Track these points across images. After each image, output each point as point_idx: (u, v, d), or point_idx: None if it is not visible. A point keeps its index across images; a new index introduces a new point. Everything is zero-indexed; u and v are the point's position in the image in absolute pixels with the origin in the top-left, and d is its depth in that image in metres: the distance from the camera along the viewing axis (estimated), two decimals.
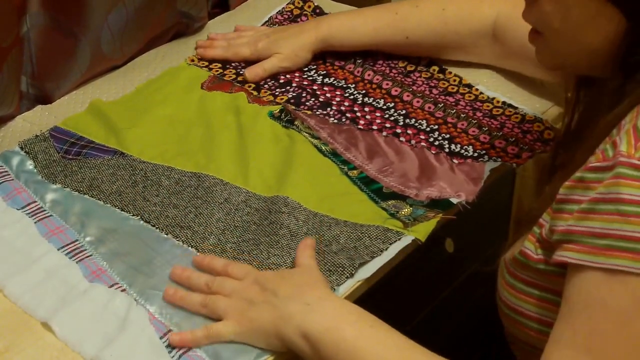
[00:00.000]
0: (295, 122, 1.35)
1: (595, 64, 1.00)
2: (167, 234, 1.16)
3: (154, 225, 1.18)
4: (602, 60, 0.98)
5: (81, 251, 1.13)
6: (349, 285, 1.09)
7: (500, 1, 1.42)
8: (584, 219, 0.89)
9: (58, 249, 1.13)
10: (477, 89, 1.44)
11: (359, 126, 1.36)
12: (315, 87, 1.45)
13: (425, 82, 1.46)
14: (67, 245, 1.14)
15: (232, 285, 1.05)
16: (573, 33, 0.98)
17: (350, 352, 0.97)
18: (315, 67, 1.50)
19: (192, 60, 1.51)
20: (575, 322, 0.89)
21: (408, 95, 1.43)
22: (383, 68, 1.49)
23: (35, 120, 1.37)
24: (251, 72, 1.46)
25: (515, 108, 1.39)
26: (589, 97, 1.09)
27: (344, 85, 1.45)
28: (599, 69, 0.99)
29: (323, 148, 1.31)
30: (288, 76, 1.48)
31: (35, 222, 1.17)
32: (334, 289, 1.08)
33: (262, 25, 1.61)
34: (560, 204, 0.93)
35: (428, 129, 1.36)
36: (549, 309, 0.99)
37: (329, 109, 1.40)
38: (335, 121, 1.37)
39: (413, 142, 1.33)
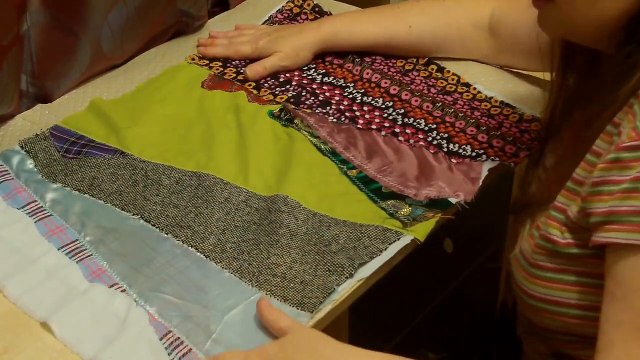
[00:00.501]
0: (295, 121, 1.36)
1: (604, 33, 0.99)
2: (167, 234, 1.16)
3: (154, 225, 1.18)
4: (612, 29, 0.97)
5: (81, 251, 1.13)
6: (349, 286, 1.10)
7: None
8: (628, 199, 0.89)
9: (58, 249, 1.13)
10: (474, 88, 1.44)
11: (358, 125, 1.36)
12: (314, 86, 1.45)
13: (424, 81, 1.46)
14: (67, 245, 1.14)
15: None
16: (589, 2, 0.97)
17: None
18: (314, 66, 1.50)
19: (193, 59, 1.51)
20: (635, 304, 0.89)
21: (406, 94, 1.43)
22: (381, 67, 1.49)
23: (36, 119, 1.37)
24: (252, 70, 1.46)
25: (513, 107, 1.39)
26: (581, 74, 1.10)
27: (343, 84, 1.46)
28: (605, 40, 0.99)
29: (322, 147, 1.32)
30: (288, 75, 1.48)
31: (35, 222, 1.17)
32: (334, 289, 1.08)
33: (262, 24, 1.61)
34: (597, 187, 0.93)
35: (426, 128, 1.36)
36: (589, 293, 0.98)
37: (328, 107, 1.40)
38: (335, 120, 1.37)
39: (412, 141, 1.33)
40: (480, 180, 1.25)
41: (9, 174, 1.25)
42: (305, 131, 1.34)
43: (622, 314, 0.91)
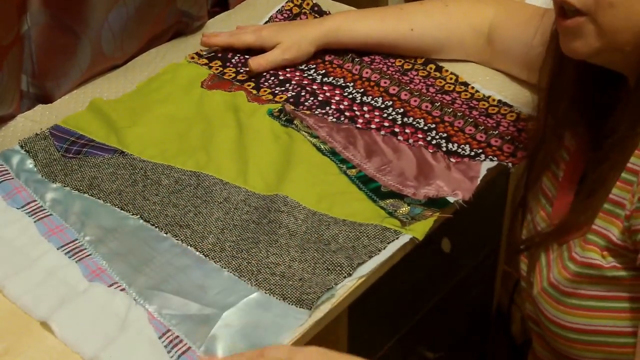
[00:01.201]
0: (295, 122, 1.36)
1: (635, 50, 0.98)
2: (166, 233, 1.17)
3: (153, 225, 1.18)
4: None
5: (81, 250, 1.13)
6: (348, 285, 1.10)
7: (496, 3, 1.43)
8: None
9: (58, 249, 1.13)
10: (472, 87, 1.45)
11: (358, 125, 1.37)
12: (315, 87, 1.45)
13: (422, 81, 1.47)
14: (67, 244, 1.14)
15: None
16: (629, 4, 0.97)
17: None
18: (314, 66, 1.50)
19: (192, 57, 1.52)
20: None
21: (406, 94, 1.43)
22: (380, 66, 1.49)
23: (36, 120, 1.37)
24: (254, 62, 1.46)
25: (511, 106, 1.40)
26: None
27: (343, 84, 1.46)
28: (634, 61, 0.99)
29: (322, 147, 1.32)
30: (288, 75, 1.48)
31: (35, 222, 1.17)
32: (333, 287, 1.09)
33: (263, 24, 1.61)
34: None
35: (425, 127, 1.37)
36: (636, 318, 0.97)
37: (327, 107, 1.40)
38: (334, 120, 1.38)
39: (411, 141, 1.34)
40: (479, 180, 1.26)
41: (9, 173, 1.25)
42: (305, 132, 1.34)
43: None
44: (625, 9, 0.97)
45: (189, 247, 1.15)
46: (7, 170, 1.26)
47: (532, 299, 1.10)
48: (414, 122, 1.38)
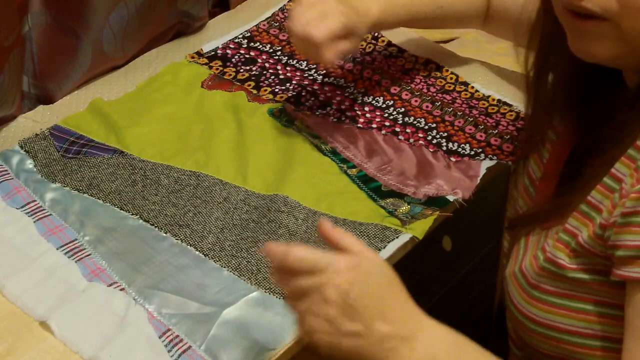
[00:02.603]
0: (295, 123, 1.36)
1: None
2: (166, 233, 1.17)
3: (152, 224, 1.18)
4: None
5: (80, 250, 1.14)
6: None
7: None
8: None
9: (57, 248, 1.13)
10: (472, 87, 1.45)
11: (359, 125, 1.37)
12: (315, 87, 1.45)
13: (423, 80, 1.47)
14: (67, 244, 1.14)
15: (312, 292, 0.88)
16: None
17: None
18: (315, 66, 1.50)
19: (193, 57, 1.52)
20: None
21: (407, 94, 1.43)
22: (382, 65, 1.49)
23: (37, 120, 1.37)
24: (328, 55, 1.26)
25: (510, 105, 1.40)
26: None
27: (344, 85, 1.46)
28: None
29: (323, 147, 1.32)
30: (289, 74, 1.48)
31: (34, 221, 1.17)
32: None
33: (264, 21, 1.61)
34: (628, 217, 0.89)
35: (426, 127, 1.37)
36: (594, 322, 0.96)
37: (328, 108, 1.40)
38: (335, 120, 1.38)
39: (411, 140, 1.34)
40: (479, 179, 1.26)
41: (9, 173, 1.25)
42: (306, 133, 1.34)
43: None
44: None
45: (188, 246, 1.15)
46: (6, 170, 1.26)
47: (504, 279, 1.09)
48: (415, 122, 1.38)
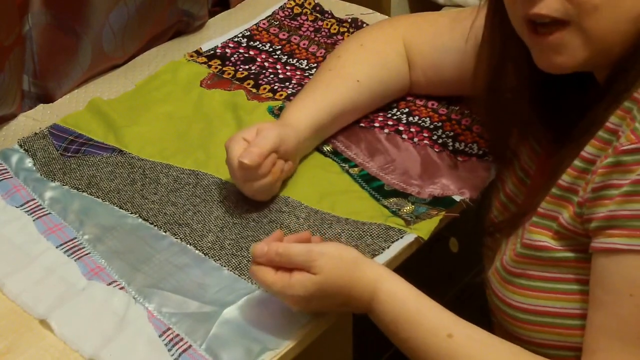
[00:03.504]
0: None
1: (629, 41, 0.94)
2: (165, 232, 1.16)
3: (152, 223, 1.18)
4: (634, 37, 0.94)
5: (80, 249, 1.13)
6: None
7: (403, 24, 1.37)
8: (628, 202, 0.88)
9: (57, 247, 1.13)
10: None
11: (360, 124, 1.36)
12: None
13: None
14: (66, 243, 1.14)
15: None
16: (614, 4, 0.92)
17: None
18: (315, 65, 1.49)
19: (192, 56, 1.51)
20: (623, 311, 0.88)
21: (410, 95, 1.42)
22: None
23: (38, 119, 1.37)
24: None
25: None
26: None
27: None
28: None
29: (324, 149, 1.31)
30: (289, 74, 1.47)
31: (34, 220, 1.17)
32: None
33: (264, 20, 1.61)
34: (598, 192, 0.91)
35: (431, 126, 1.36)
36: (585, 301, 0.96)
37: None
38: None
39: (416, 139, 1.33)
40: (488, 180, 1.25)
41: (8, 172, 1.25)
42: None
43: (609, 321, 0.90)
44: (612, 9, 0.93)
45: (188, 245, 1.15)
46: (6, 169, 1.26)
47: (486, 281, 1.10)
48: (420, 121, 1.36)
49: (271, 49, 1.53)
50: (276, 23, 1.60)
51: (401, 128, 1.35)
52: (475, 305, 1.50)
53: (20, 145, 1.29)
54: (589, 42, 0.95)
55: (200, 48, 1.53)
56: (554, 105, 1.08)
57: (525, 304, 1.01)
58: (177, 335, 1.02)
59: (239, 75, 1.47)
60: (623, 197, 0.88)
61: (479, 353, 0.98)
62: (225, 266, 1.11)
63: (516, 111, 1.12)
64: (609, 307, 0.90)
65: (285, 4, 1.64)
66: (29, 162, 1.27)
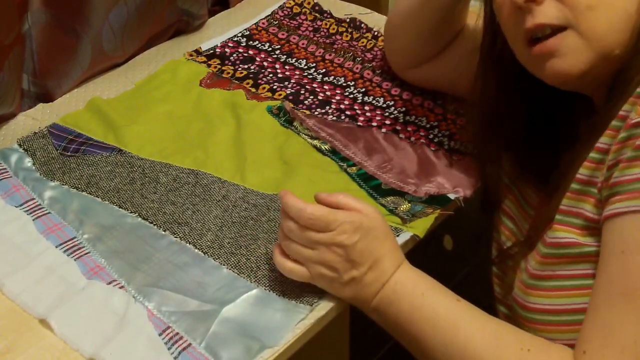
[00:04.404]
0: (294, 124, 1.36)
1: (630, 43, 0.96)
2: (164, 231, 1.17)
3: (151, 222, 1.18)
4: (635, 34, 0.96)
5: (79, 248, 1.13)
6: None
7: None
8: (629, 168, 0.90)
9: (56, 247, 1.13)
10: None
11: (359, 123, 1.36)
12: (315, 85, 1.45)
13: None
14: (66, 242, 1.14)
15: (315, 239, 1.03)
16: (609, 3, 0.95)
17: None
18: (314, 64, 1.50)
19: (191, 55, 1.52)
20: (610, 268, 0.89)
21: (408, 94, 1.43)
22: (381, 64, 1.49)
23: (37, 118, 1.37)
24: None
25: None
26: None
27: (344, 84, 1.46)
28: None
29: (322, 147, 1.31)
30: (287, 73, 1.48)
31: (33, 220, 1.17)
32: None
33: (263, 19, 1.61)
34: (611, 169, 0.93)
35: (428, 125, 1.36)
36: None
37: (327, 107, 1.40)
38: (334, 119, 1.37)
39: (412, 138, 1.34)
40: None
41: (8, 172, 1.25)
42: (305, 134, 1.34)
43: (599, 281, 0.91)
44: (606, 8, 0.96)
45: (187, 244, 1.15)
46: (5, 168, 1.26)
47: (510, 298, 1.09)
48: (416, 120, 1.37)
49: (270, 49, 1.54)
50: (275, 23, 1.60)
51: (398, 127, 1.36)
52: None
53: (20, 145, 1.29)
54: (588, 44, 0.97)
55: (200, 47, 1.53)
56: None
57: (553, 306, 1.00)
58: (177, 333, 1.03)
59: (238, 74, 1.47)
60: (625, 163, 0.90)
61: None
62: (224, 265, 1.12)
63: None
64: (601, 266, 0.91)
65: (284, 3, 1.64)
66: (28, 162, 1.27)
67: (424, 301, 1.01)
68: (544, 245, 1.01)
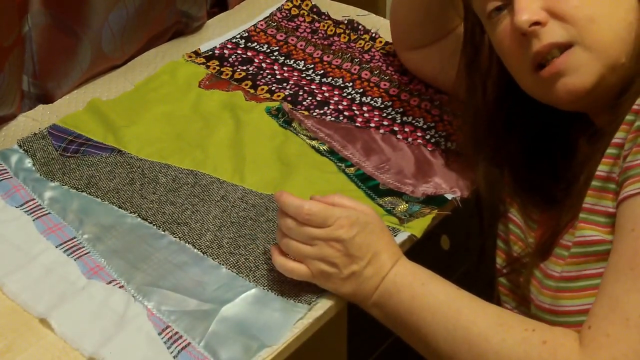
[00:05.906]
0: (293, 124, 1.36)
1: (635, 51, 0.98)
2: (164, 231, 1.17)
3: (151, 223, 1.18)
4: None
5: (79, 248, 1.14)
6: None
7: None
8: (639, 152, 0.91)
9: (56, 247, 1.14)
10: None
11: (357, 124, 1.37)
12: (313, 87, 1.45)
13: (422, 81, 1.47)
14: (65, 242, 1.14)
15: (314, 234, 1.04)
16: (609, 14, 0.97)
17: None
18: (312, 66, 1.51)
19: (190, 57, 1.52)
20: (619, 246, 0.90)
21: (405, 95, 1.43)
22: (379, 64, 1.49)
23: (37, 119, 1.37)
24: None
25: None
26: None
27: (342, 85, 1.46)
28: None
29: (321, 148, 1.32)
30: (286, 74, 1.49)
31: (33, 220, 1.17)
32: None
33: (262, 21, 1.62)
34: (627, 158, 0.93)
35: (425, 126, 1.37)
36: None
37: (326, 108, 1.40)
38: (333, 119, 1.38)
39: (410, 139, 1.34)
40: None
41: (8, 172, 1.25)
42: (303, 135, 1.34)
43: (610, 260, 0.91)
44: (607, 19, 0.98)
45: (186, 244, 1.15)
46: (5, 169, 1.26)
47: (522, 308, 1.09)
48: (414, 121, 1.38)
49: (269, 50, 1.54)
50: (274, 24, 1.60)
51: (396, 128, 1.36)
52: None
53: (20, 146, 1.30)
54: (595, 56, 0.99)
55: (199, 49, 1.54)
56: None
57: (578, 306, 0.99)
58: (176, 332, 1.03)
59: (236, 76, 1.48)
60: (638, 148, 0.91)
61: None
62: (223, 264, 1.12)
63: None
64: (613, 247, 0.92)
65: (282, 5, 1.65)
66: (28, 162, 1.27)
67: (425, 290, 1.02)
68: (574, 243, 0.99)
